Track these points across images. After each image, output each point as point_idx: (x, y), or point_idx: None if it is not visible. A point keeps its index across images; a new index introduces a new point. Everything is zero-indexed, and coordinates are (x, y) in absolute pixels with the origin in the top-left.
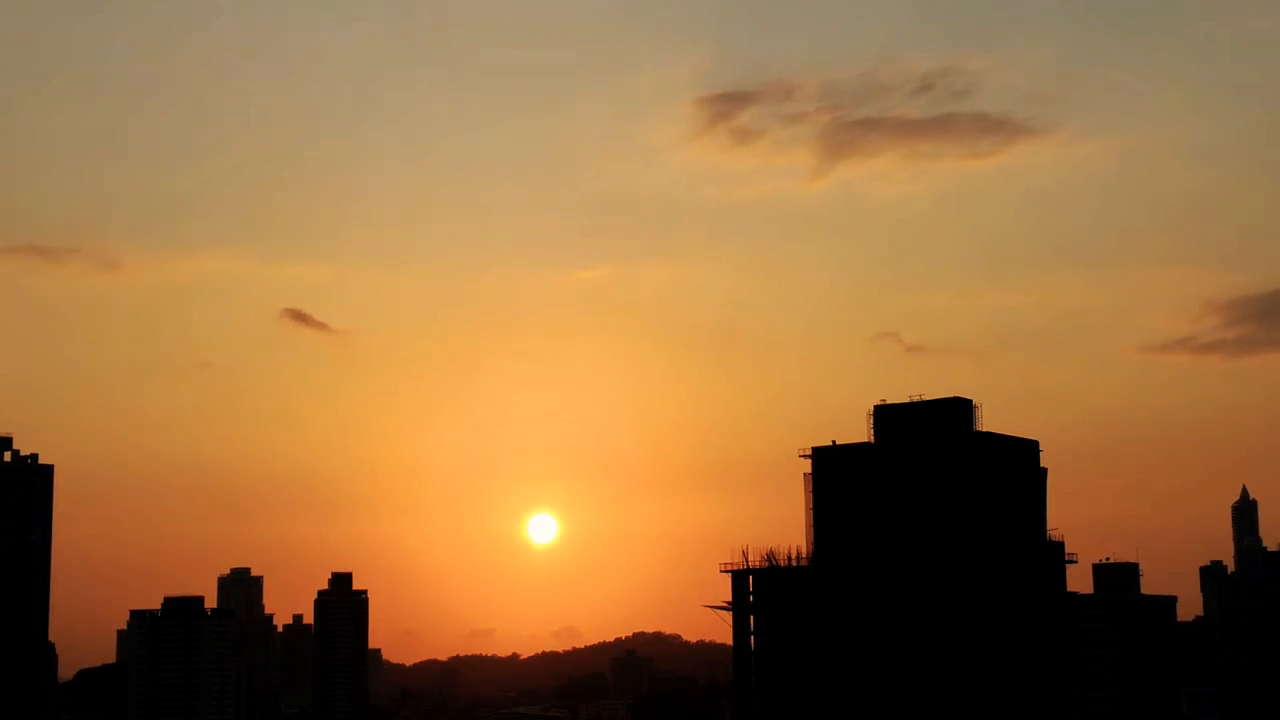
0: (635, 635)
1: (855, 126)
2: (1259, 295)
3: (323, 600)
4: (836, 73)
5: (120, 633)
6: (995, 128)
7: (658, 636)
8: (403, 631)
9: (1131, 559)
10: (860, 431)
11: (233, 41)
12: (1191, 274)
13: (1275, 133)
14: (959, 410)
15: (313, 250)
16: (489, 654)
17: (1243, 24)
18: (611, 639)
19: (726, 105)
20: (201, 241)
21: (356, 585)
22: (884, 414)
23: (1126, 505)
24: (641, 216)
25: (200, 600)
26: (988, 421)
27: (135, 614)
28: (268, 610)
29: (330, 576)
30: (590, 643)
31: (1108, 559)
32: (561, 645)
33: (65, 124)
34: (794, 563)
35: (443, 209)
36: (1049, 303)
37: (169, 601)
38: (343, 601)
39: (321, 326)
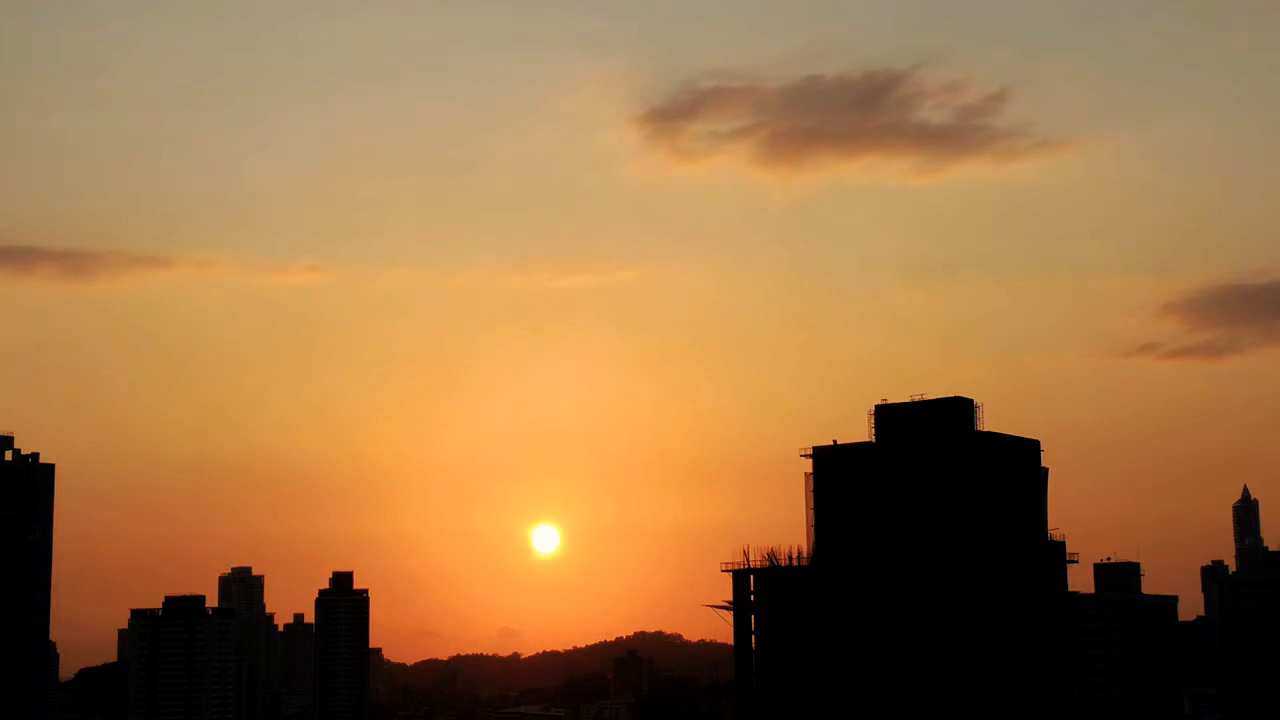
0: (636, 635)
1: (799, 137)
2: (1214, 293)
3: (324, 599)
4: (774, 84)
5: (121, 632)
6: (941, 138)
7: (659, 636)
8: (403, 631)
9: (1133, 559)
10: (861, 431)
11: (210, 43)
12: (1141, 279)
13: (1214, 138)
14: (960, 410)
15: (301, 256)
16: (490, 653)
17: (1184, 30)
18: (612, 638)
19: (666, 120)
20: (196, 243)
21: (357, 584)
22: (885, 413)
23: (1127, 505)
24: (607, 226)
25: (201, 599)
26: (989, 421)
27: (136, 613)
28: (269, 609)
29: (331, 576)
30: (591, 642)
31: (1109, 559)
32: (561, 645)
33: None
34: (795, 562)
35: (415, 212)
36: (1010, 308)
37: (170, 600)
38: (344, 601)
39: (320, 327)
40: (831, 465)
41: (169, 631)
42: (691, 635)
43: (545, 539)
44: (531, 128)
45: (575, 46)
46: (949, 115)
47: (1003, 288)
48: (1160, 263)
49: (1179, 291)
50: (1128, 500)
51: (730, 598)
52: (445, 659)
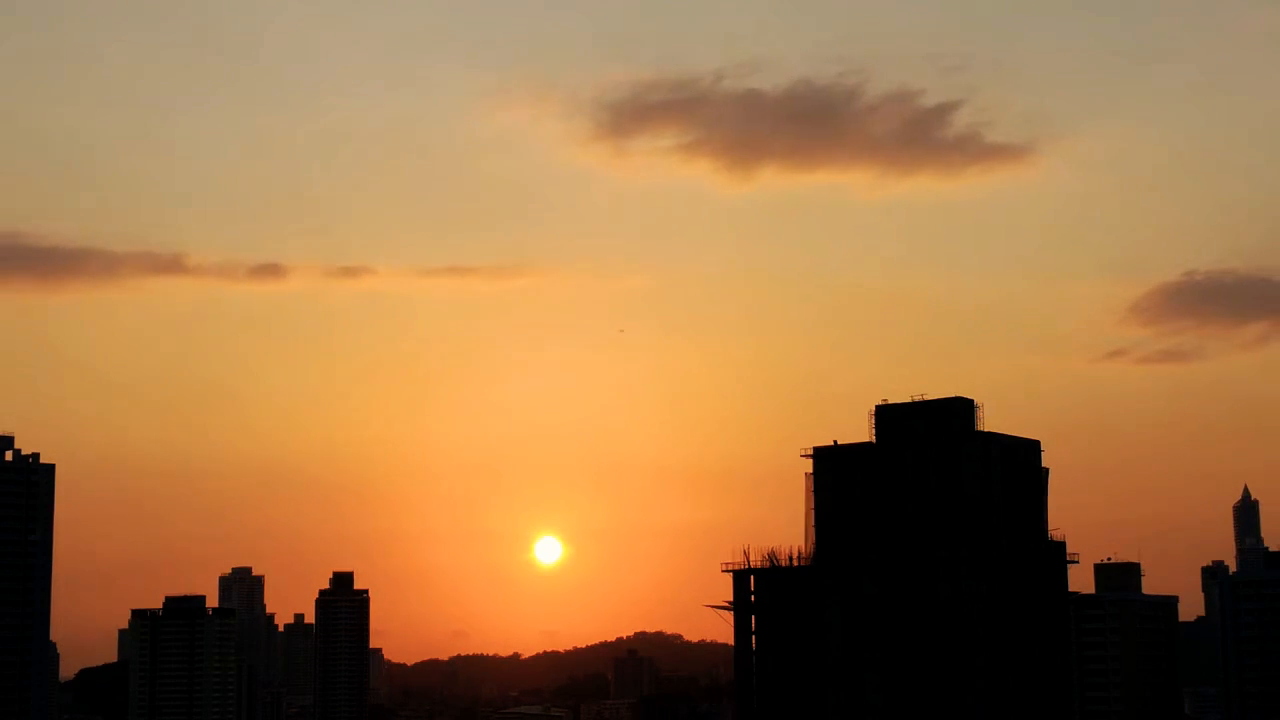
0: (636, 635)
1: (755, 147)
2: (1191, 292)
3: (324, 599)
4: (721, 96)
5: (121, 632)
6: (895, 148)
7: (659, 636)
8: (404, 631)
9: (1133, 559)
10: (862, 431)
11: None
12: (1115, 281)
13: (1159, 145)
14: (960, 410)
15: (297, 256)
16: (490, 653)
17: (1133, 33)
18: (613, 639)
19: (619, 135)
20: (195, 244)
21: (358, 584)
22: (885, 414)
23: (1128, 505)
24: (589, 235)
25: (202, 599)
26: (989, 421)
27: (136, 613)
28: (269, 609)
29: (331, 575)
30: (591, 642)
31: (1109, 559)
32: (561, 645)
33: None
34: (795, 562)
35: (401, 216)
36: (1003, 310)
37: (170, 600)
38: (344, 601)
39: (320, 327)
40: (831, 465)
41: (169, 631)
42: (692, 635)
43: (548, 550)
44: (489, 143)
45: (519, 64)
46: (901, 125)
47: (989, 291)
48: (1131, 265)
49: (1158, 292)
50: (1128, 500)
51: (730, 598)
52: (445, 659)
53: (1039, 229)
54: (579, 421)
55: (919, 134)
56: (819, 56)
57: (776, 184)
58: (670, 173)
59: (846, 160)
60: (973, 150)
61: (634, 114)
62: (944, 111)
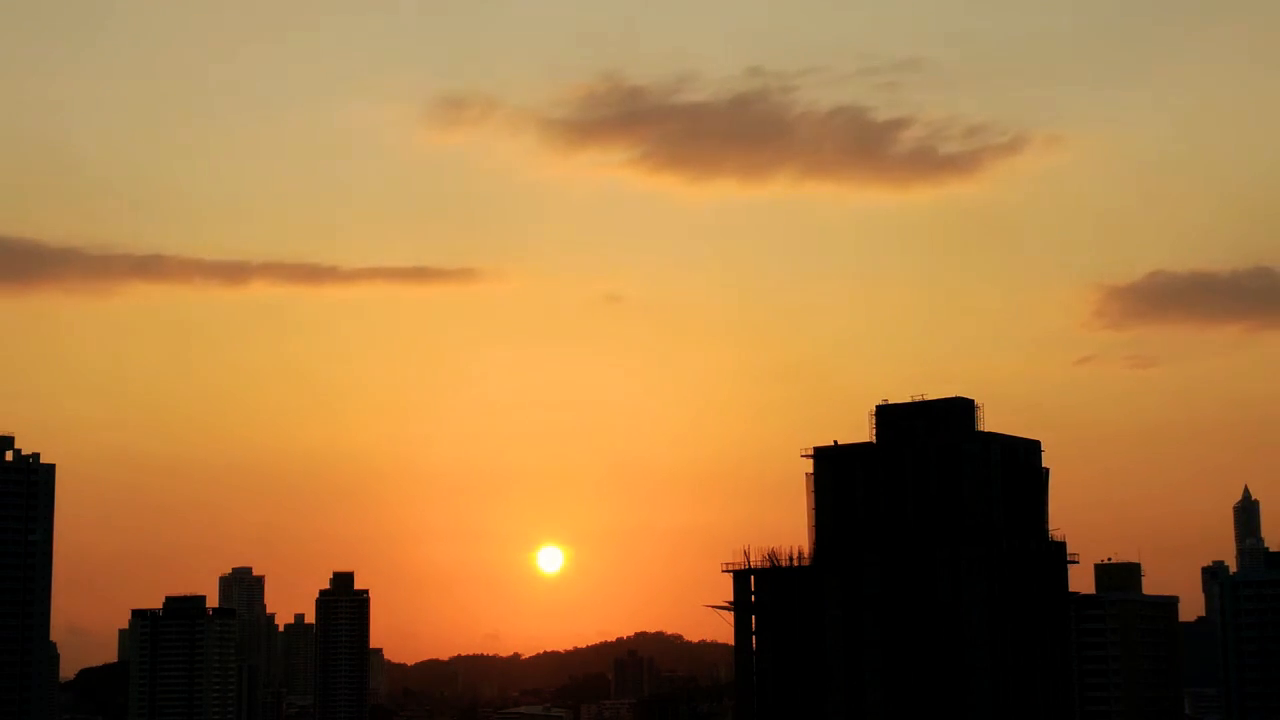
0: (637, 635)
1: (705, 157)
2: (1136, 287)
3: (324, 599)
4: (686, 98)
5: (122, 632)
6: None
7: (659, 636)
8: (404, 631)
9: (1133, 559)
10: (862, 431)
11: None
12: (1098, 282)
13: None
14: (961, 410)
15: (294, 258)
16: (490, 654)
17: (1087, 33)
18: (613, 639)
19: (579, 134)
20: (193, 244)
21: (358, 584)
22: (886, 414)
23: (1128, 505)
24: (579, 239)
25: (202, 599)
26: (989, 421)
27: (137, 613)
28: (269, 609)
29: (332, 576)
30: (591, 642)
31: (1110, 559)
32: (561, 645)
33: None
34: (795, 562)
35: (398, 219)
36: (993, 312)
37: (170, 601)
38: (344, 601)
39: (320, 328)
40: (832, 465)
41: (169, 631)
42: (692, 635)
43: (549, 559)
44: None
45: (470, 78)
46: (850, 139)
47: (978, 293)
48: (1095, 267)
49: (1126, 293)
50: (1128, 500)
51: (731, 598)
52: (445, 659)
53: (1002, 236)
54: (580, 422)
55: (869, 147)
56: (764, 71)
57: (735, 195)
58: (629, 184)
59: (799, 171)
60: (925, 163)
61: (582, 127)
62: (894, 127)
